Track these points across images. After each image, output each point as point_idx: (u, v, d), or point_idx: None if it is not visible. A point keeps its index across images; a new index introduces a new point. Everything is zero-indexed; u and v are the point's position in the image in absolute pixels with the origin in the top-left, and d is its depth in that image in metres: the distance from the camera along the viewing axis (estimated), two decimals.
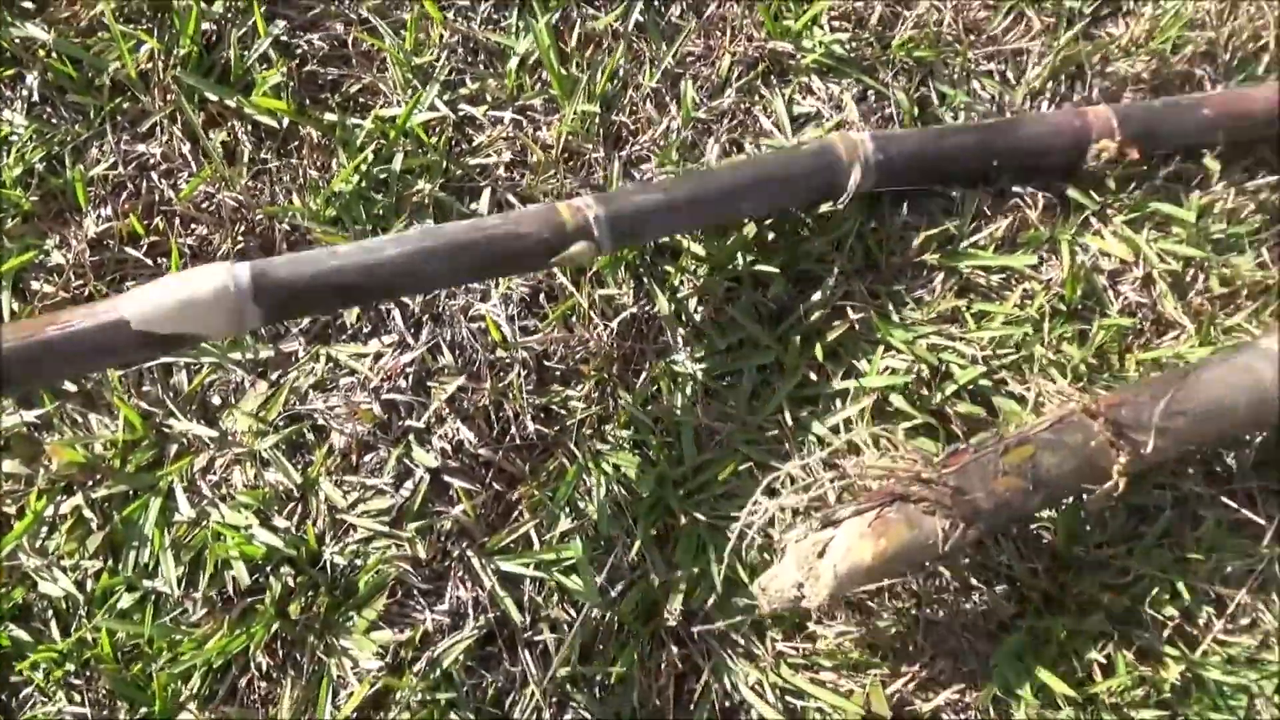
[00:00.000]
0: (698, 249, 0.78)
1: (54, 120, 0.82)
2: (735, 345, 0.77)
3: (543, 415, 0.76)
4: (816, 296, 0.77)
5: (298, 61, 0.84)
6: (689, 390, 0.77)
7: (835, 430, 0.75)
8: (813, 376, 0.77)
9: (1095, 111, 0.81)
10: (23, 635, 0.69)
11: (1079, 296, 0.78)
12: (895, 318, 0.77)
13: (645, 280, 0.78)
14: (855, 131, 0.80)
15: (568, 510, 0.74)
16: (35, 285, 0.77)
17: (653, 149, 0.84)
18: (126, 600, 0.70)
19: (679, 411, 0.76)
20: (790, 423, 0.76)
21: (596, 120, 0.83)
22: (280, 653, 0.70)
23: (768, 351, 0.77)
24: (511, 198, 0.82)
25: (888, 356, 0.76)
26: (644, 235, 0.73)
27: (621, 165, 0.82)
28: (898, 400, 0.74)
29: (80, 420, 0.75)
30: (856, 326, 0.77)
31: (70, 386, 0.75)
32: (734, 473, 0.75)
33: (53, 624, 0.70)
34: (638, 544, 0.72)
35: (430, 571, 0.72)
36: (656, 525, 0.74)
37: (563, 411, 0.76)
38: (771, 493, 0.72)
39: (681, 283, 0.78)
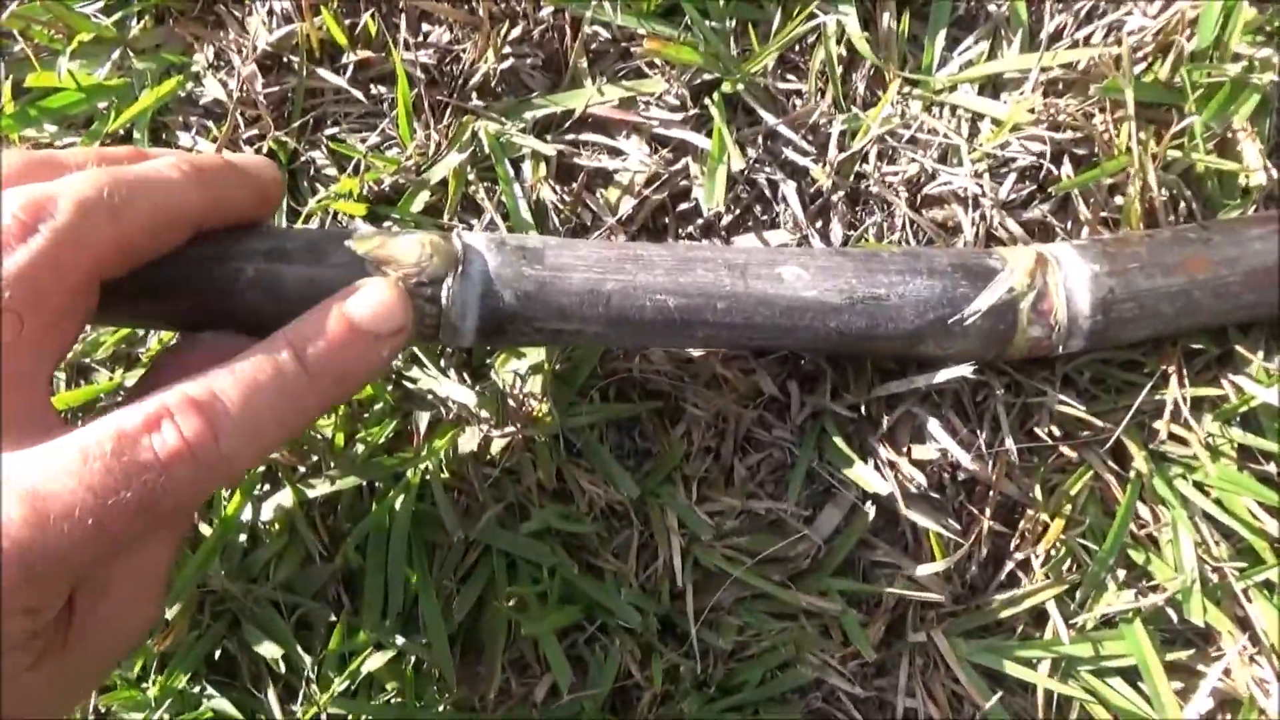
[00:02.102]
0: None
1: None
2: None
3: (1063, 388, 0.41)
4: None
5: None
6: None
7: None
8: None
9: None
10: (228, 710, 0.45)
11: None
12: None
13: None
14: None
15: (1117, 573, 0.41)
16: (184, 138, 0.46)
17: None
18: (375, 661, 0.44)
19: None
20: None
21: None
22: None
23: None
24: None
25: None
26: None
27: None
28: None
29: None
30: None
31: None
32: None
33: (269, 691, 0.45)
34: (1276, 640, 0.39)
35: (867, 667, 0.42)
36: None
37: (1098, 383, 0.41)
38: None
39: None
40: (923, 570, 0.40)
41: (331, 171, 0.46)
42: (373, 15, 0.45)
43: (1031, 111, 0.40)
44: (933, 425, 0.40)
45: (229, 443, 0.27)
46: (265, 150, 0.45)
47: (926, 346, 0.37)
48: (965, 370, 0.38)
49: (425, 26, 0.46)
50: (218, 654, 0.45)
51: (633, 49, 0.44)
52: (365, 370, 0.31)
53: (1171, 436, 0.40)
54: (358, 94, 0.45)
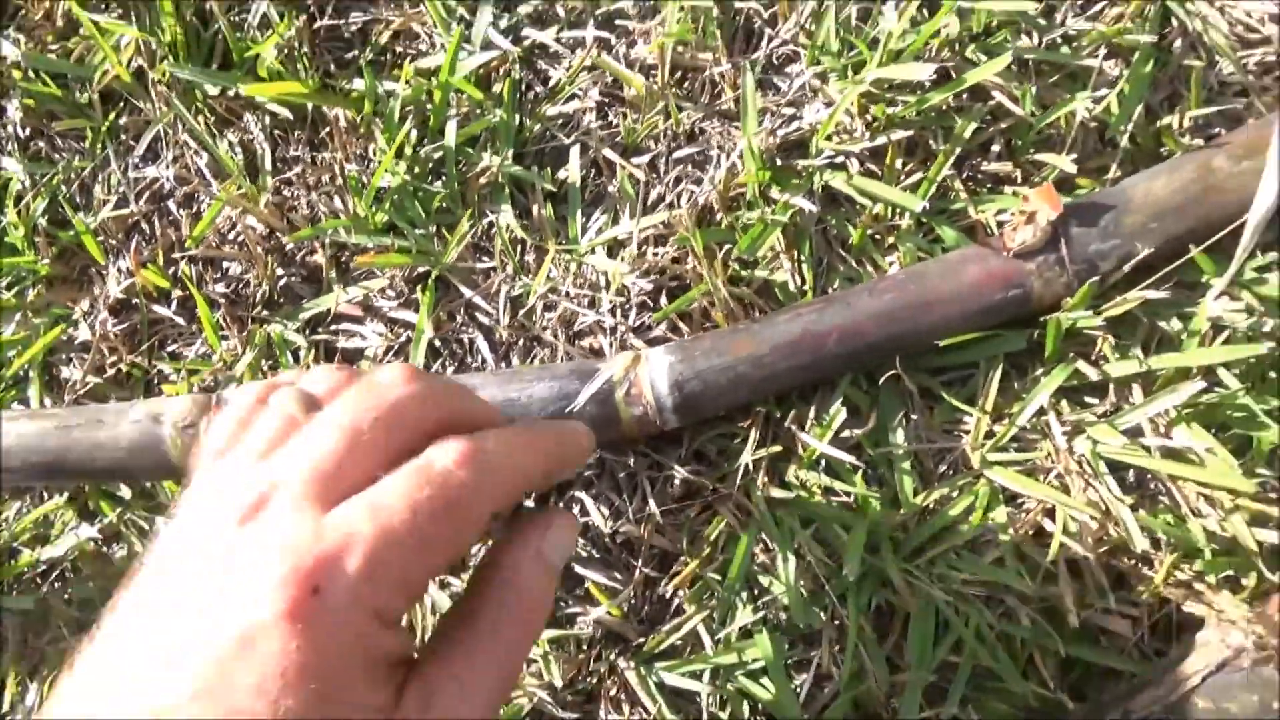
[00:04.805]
0: None
1: (49, 156, 0.66)
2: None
3: (693, 460, 0.54)
4: None
5: (307, 17, 0.63)
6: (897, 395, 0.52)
7: (1138, 435, 0.49)
8: (1086, 369, 0.50)
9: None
10: None
11: None
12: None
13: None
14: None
15: (745, 595, 0.53)
16: (65, 372, 0.64)
17: (800, 43, 0.57)
18: None
19: (890, 433, 0.52)
20: (1059, 429, 0.50)
21: (714, 13, 0.57)
22: None
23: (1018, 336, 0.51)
24: (610, 154, 0.58)
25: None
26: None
27: (757, 77, 0.56)
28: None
29: (150, 529, 0.62)
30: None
31: (126, 491, 0.62)
32: (977, 512, 0.51)
33: None
34: (850, 635, 0.51)
35: (574, 695, 0.55)
36: (872, 604, 0.52)
37: (720, 453, 0.55)
38: None
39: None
40: (598, 615, 0.53)
41: (175, 378, 0.62)
42: (187, 261, 0.62)
43: (630, 264, 0.55)
44: (589, 502, 0.54)
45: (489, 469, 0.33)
46: (123, 369, 0.62)
47: None
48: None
49: (225, 265, 0.63)
50: None
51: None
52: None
53: (782, 483, 0.53)
54: (180, 320, 0.62)
